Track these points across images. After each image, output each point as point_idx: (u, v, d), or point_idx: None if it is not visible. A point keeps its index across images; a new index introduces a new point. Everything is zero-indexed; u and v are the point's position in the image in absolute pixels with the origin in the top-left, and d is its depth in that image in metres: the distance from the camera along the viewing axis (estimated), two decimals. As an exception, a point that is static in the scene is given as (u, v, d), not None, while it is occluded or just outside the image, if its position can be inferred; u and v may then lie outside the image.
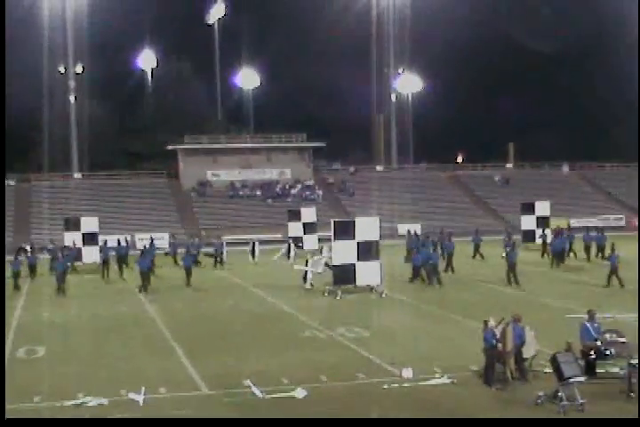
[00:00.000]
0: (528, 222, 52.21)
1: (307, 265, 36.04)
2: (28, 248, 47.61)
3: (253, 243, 48.27)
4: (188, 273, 37.54)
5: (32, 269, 41.91)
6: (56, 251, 43.46)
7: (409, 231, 48.27)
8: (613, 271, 33.44)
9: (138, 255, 38.67)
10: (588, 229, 47.28)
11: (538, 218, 51.83)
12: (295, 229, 52.81)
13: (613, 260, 33.90)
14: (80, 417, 16.69)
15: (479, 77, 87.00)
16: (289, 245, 48.92)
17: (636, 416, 15.45)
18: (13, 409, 17.11)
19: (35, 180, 74.81)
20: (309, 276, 35.51)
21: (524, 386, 18.24)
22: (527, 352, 18.89)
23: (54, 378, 20.12)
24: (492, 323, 18.64)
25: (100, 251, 43.69)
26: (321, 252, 37.74)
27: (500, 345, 18.36)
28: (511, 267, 35.09)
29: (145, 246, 45.04)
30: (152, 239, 47.67)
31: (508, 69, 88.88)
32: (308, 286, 35.31)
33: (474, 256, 45.83)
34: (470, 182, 79.68)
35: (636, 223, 65.49)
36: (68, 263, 39.79)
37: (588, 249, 43.93)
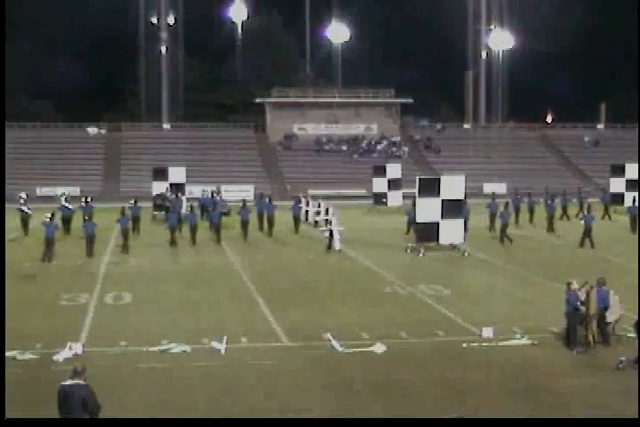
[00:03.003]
0: (617, 185, 51.23)
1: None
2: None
3: (307, 201, 45.77)
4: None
5: (136, 220, 39.52)
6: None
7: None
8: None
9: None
10: None
11: (627, 181, 50.83)
12: (380, 184, 52.66)
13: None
14: (162, 366, 17.12)
15: (572, 35, 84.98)
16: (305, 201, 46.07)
17: None
18: (100, 353, 17.66)
19: (125, 129, 76.03)
20: (337, 236, 34.10)
21: (605, 350, 18.06)
22: (611, 316, 18.68)
23: (140, 324, 20.63)
24: (575, 285, 18.45)
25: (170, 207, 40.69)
26: (326, 212, 37.44)
27: (583, 308, 18.18)
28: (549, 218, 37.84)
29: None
30: None
31: (602, 27, 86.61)
32: (337, 246, 33.90)
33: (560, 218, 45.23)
34: (559, 143, 78.39)
35: None
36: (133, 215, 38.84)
37: None
